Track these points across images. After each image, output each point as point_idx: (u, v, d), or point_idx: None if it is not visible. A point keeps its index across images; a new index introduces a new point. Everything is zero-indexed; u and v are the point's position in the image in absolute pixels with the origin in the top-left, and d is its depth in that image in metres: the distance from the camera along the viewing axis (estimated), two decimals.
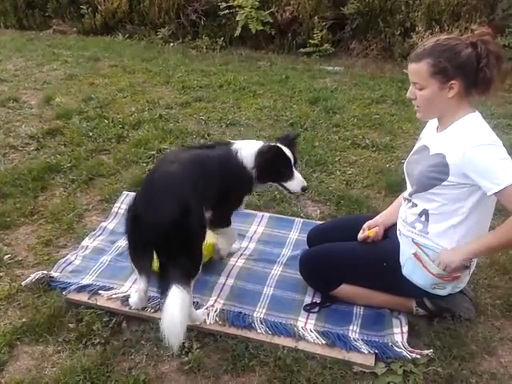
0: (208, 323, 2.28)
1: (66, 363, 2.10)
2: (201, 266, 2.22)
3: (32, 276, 2.53)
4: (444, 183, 2.05)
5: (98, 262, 2.68)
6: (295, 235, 2.95)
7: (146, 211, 2.13)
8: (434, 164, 2.08)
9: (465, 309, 2.34)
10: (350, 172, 3.74)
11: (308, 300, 2.46)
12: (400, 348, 2.15)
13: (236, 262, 2.72)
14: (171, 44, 7.27)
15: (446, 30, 5.83)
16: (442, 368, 2.08)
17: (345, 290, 2.39)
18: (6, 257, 2.76)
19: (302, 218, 3.14)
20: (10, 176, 3.53)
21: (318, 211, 3.24)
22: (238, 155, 2.37)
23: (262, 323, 2.29)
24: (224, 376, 2.07)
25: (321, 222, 2.96)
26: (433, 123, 2.26)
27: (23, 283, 2.52)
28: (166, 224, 2.04)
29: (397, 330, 2.25)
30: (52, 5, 8.13)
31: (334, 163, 3.85)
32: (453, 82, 2.00)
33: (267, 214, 3.16)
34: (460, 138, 2.02)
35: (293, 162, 2.43)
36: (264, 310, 2.37)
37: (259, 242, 2.91)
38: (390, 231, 2.44)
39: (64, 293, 2.44)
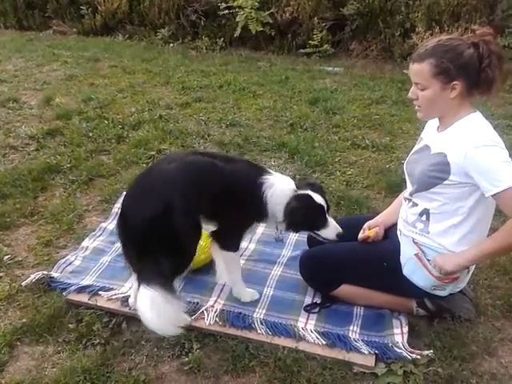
0: (208, 324, 2.28)
1: (66, 364, 2.10)
2: (187, 266, 2.22)
3: (32, 276, 2.53)
4: (445, 182, 2.05)
5: (98, 263, 2.68)
6: (295, 236, 2.95)
7: (128, 208, 2.19)
8: (435, 163, 2.08)
9: (465, 309, 2.34)
10: (349, 172, 3.73)
11: (308, 300, 2.46)
12: (400, 348, 2.15)
13: None
14: (171, 44, 7.28)
15: (446, 31, 5.83)
16: (443, 368, 2.08)
17: (345, 290, 2.38)
18: (6, 257, 2.76)
19: None
20: (10, 176, 3.53)
21: None
22: (264, 192, 2.23)
23: (262, 324, 2.29)
24: (224, 376, 2.07)
25: None
26: (433, 123, 2.26)
27: (23, 284, 2.52)
28: (144, 222, 2.07)
29: (397, 330, 2.25)
30: (52, 5, 8.14)
31: (333, 164, 3.85)
32: (455, 82, 2.00)
33: None
34: (462, 138, 2.02)
35: (326, 208, 2.29)
36: (264, 311, 2.37)
37: (259, 243, 2.91)
38: (391, 231, 2.44)
39: (64, 293, 2.44)
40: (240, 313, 2.34)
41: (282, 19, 6.90)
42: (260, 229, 3.02)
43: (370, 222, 2.48)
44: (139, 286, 2.04)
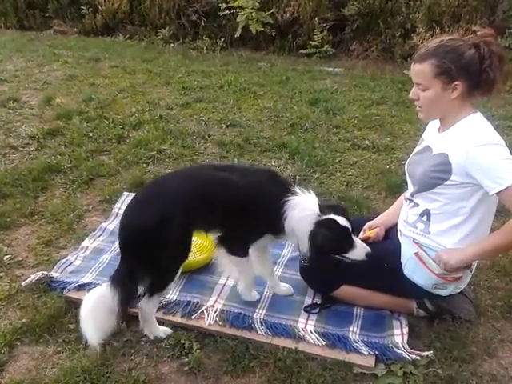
0: (208, 323, 2.28)
1: (66, 364, 2.10)
2: (165, 282, 2.22)
3: (32, 276, 2.53)
4: (446, 183, 2.05)
5: (98, 261, 2.69)
6: None
7: (125, 211, 2.26)
8: (436, 163, 2.09)
9: (465, 310, 2.33)
10: (350, 173, 3.73)
11: (308, 301, 2.46)
12: (400, 349, 2.15)
13: None
14: (172, 45, 7.28)
15: (447, 32, 5.82)
16: (442, 369, 2.07)
17: (345, 291, 2.38)
18: (6, 257, 2.76)
19: None
20: (11, 176, 3.53)
21: None
22: (285, 213, 2.17)
23: (262, 324, 2.29)
24: (224, 377, 2.07)
25: None
26: (434, 124, 2.26)
27: (23, 284, 2.52)
28: (132, 229, 2.13)
29: (397, 331, 2.25)
30: (52, 5, 8.14)
31: (334, 164, 3.85)
32: (456, 82, 2.01)
33: None
34: (463, 138, 2.02)
35: (351, 230, 2.21)
36: (264, 311, 2.37)
37: None
38: (391, 232, 2.44)
39: (64, 291, 2.45)
40: (240, 313, 2.34)
41: (283, 19, 6.90)
42: None
43: (371, 222, 2.48)
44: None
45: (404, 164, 2.39)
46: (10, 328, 2.27)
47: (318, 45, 6.69)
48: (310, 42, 6.71)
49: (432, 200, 2.15)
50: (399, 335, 2.22)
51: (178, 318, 2.33)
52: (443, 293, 2.24)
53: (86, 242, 2.88)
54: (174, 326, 2.30)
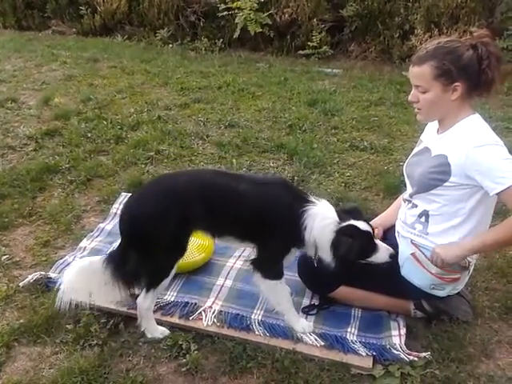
0: (206, 324, 2.28)
1: (63, 364, 2.10)
2: (159, 278, 2.20)
3: (30, 277, 2.53)
4: (445, 184, 2.06)
5: None
6: None
7: (126, 202, 2.33)
8: (435, 165, 2.09)
9: (462, 311, 2.34)
10: (348, 174, 3.74)
11: (306, 302, 2.46)
12: (398, 350, 2.15)
13: (234, 263, 2.71)
14: (170, 45, 7.28)
15: (445, 33, 5.84)
16: (440, 370, 2.08)
17: (343, 292, 2.38)
18: (4, 257, 2.76)
19: None
20: (8, 177, 3.53)
21: None
22: (304, 223, 2.12)
23: (259, 325, 2.29)
24: (222, 378, 2.07)
25: None
26: (432, 125, 2.26)
27: (21, 284, 2.52)
28: (134, 218, 2.16)
29: (395, 332, 2.25)
30: (51, 5, 8.13)
31: (332, 165, 3.86)
32: (456, 83, 2.01)
33: None
34: (462, 139, 2.03)
35: (372, 234, 2.17)
36: (262, 312, 2.37)
37: None
38: (389, 233, 2.45)
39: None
40: (238, 314, 2.34)
41: (281, 20, 6.90)
42: None
43: None
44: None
45: (402, 165, 2.40)
46: (7, 328, 2.27)
47: (317, 46, 6.69)
48: (309, 43, 6.71)
49: (430, 201, 2.15)
50: (397, 336, 2.22)
51: (175, 319, 2.33)
52: (441, 294, 2.24)
53: (83, 243, 2.88)
54: (172, 327, 2.30)
